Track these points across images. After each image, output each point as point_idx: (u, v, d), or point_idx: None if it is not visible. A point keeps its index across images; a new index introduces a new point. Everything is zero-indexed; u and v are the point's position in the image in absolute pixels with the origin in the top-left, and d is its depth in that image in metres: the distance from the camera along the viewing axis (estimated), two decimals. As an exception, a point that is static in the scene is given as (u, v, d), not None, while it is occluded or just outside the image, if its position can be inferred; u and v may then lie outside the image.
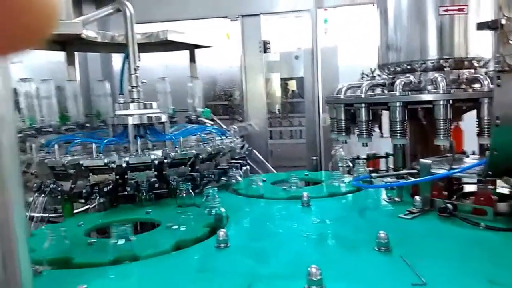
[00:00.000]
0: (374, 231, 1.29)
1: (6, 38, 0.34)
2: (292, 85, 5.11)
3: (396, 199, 1.79)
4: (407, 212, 1.59)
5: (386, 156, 2.46)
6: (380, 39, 2.44)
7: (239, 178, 2.10)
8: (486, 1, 2.17)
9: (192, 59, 3.12)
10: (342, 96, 2.29)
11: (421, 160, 1.67)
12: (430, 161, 1.64)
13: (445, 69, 2.15)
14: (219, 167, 2.12)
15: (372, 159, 2.45)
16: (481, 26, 1.66)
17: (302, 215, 1.68)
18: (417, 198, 1.61)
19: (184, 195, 1.80)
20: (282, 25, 4.65)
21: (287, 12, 4.08)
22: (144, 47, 2.75)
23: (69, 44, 2.78)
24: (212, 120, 3.03)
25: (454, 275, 1.11)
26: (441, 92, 1.90)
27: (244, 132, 3.32)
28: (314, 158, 2.71)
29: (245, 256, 1.27)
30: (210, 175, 2.04)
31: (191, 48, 3.09)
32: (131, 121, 2.17)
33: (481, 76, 1.93)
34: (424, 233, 1.42)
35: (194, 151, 1.98)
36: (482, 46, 2.17)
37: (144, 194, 1.82)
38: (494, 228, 1.38)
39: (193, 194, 1.83)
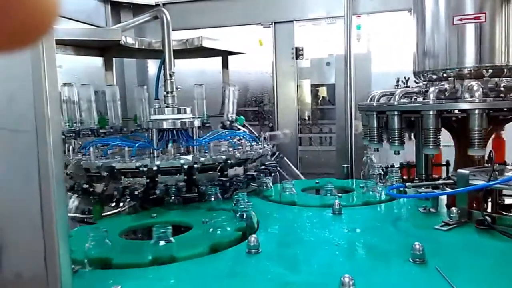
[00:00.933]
0: (408, 242, 1.26)
1: (4, 35, 0.33)
2: (323, 91, 5.07)
3: (432, 209, 1.74)
4: (443, 224, 1.54)
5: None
6: (416, 45, 2.39)
7: (270, 184, 2.10)
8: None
9: (225, 65, 3.15)
10: (374, 104, 2.26)
11: (459, 170, 1.62)
12: (467, 172, 1.58)
13: (484, 77, 2.09)
14: (247, 173, 2.13)
15: (407, 167, 2.40)
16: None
17: (334, 223, 1.66)
18: (454, 209, 1.56)
19: (213, 199, 1.82)
20: (314, 32, 4.64)
21: (321, 18, 4.07)
22: (179, 54, 2.81)
23: (108, 50, 2.88)
24: (244, 126, 3.05)
25: (493, 290, 1.07)
26: (477, 100, 1.84)
27: (278, 140, 3.31)
28: (345, 165, 2.68)
29: (276, 263, 1.27)
30: (239, 181, 2.05)
31: (225, 54, 3.13)
32: (165, 125, 2.21)
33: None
34: (461, 246, 1.37)
35: (223, 157, 1.99)
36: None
37: (173, 197, 1.85)
38: (537, 243, 1.32)
39: (222, 199, 1.84)
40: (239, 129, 2.80)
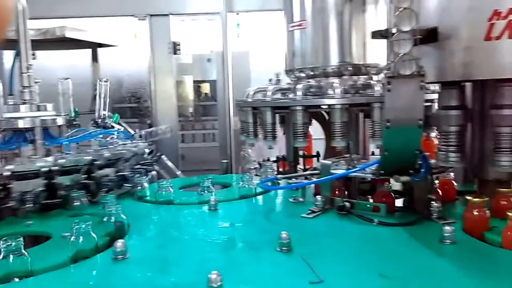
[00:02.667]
0: (278, 232, 1.31)
1: None
2: (205, 88, 5.08)
3: (300, 199, 1.84)
4: (309, 212, 1.64)
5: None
6: (287, 45, 2.51)
7: (145, 184, 2.01)
8: (383, 11, 2.35)
9: (95, 58, 2.93)
10: (249, 100, 2.32)
11: (321, 161, 1.74)
12: (329, 162, 1.71)
13: (344, 75, 2.27)
14: (120, 173, 2.00)
15: (282, 160, 2.50)
16: (375, 34, 1.78)
17: (209, 219, 1.65)
18: (318, 197, 1.67)
19: (78, 204, 1.67)
20: (194, 27, 4.59)
21: (197, 14, 4.03)
22: (41, 45, 2.53)
23: None
24: (119, 124, 2.88)
25: (348, 271, 1.15)
26: (338, 96, 1.99)
27: (157, 137, 3.20)
28: (225, 161, 2.70)
29: (145, 267, 1.20)
30: (109, 182, 1.92)
31: (94, 46, 2.91)
32: (21, 124, 1.97)
33: (373, 82, 2.06)
34: (324, 232, 1.47)
35: (89, 157, 1.85)
36: (379, 54, 2.33)
37: (29, 205, 1.65)
38: (386, 223, 1.47)
39: (89, 203, 1.71)
40: (112, 127, 2.63)
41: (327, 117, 2.39)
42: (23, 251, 1.16)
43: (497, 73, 1.48)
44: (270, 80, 2.62)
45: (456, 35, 1.54)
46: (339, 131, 1.93)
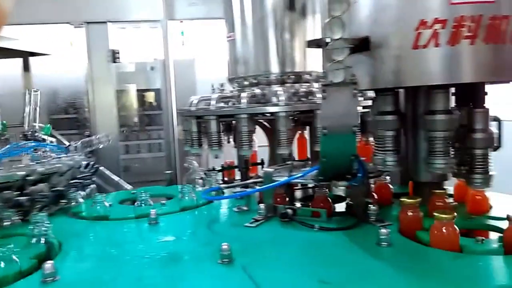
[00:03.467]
0: (221, 243, 1.28)
1: None
2: (150, 97, 4.96)
3: (245, 208, 1.83)
4: (253, 220, 1.63)
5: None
6: (229, 53, 2.51)
7: (80, 200, 1.91)
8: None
9: (27, 68, 2.77)
10: (193, 109, 2.28)
11: (264, 168, 1.74)
12: (272, 170, 1.71)
13: (286, 84, 2.30)
14: (54, 189, 1.89)
15: (227, 169, 2.48)
16: (310, 43, 1.82)
17: (148, 234, 1.60)
18: (261, 205, 1.67)
19: (9, 223, 1.55)
20: (136, 35, 4.49)
21: (136, 21, 3.94)
22: (-37, 53, 2.34)
23: None
24: (53, 136, 2.72)
25: (289, 278, 1.15)
26: (282, 104, 2.01)
27: (94, 146, 3.05)
28: (168, 172, 2.64)
29: (76, 289, 1.13)
30: (43, 199, 1.81)
31: (25, 55, 2.74)
32: None
33: (315, 90, 2.11)
34: (266, 240, 1.46)
35: (21, 173, 1.73)
36: (318, 62, 2.39)
37: None
38: (327, 228, 1.50)
39: (20, 222, 1.59)
40: (44, 139, 2.48)
41: (268, 125, 2.41)
42: None
43: (425, 79, 1.56)
44: (213, 88, 2.61)
45: (386, 44, 1.61)
46: (284, 139, 1.94)
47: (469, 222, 1.55)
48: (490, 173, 1.58)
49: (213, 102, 2.21)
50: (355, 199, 1.60)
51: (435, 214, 1.27)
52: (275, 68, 2.36)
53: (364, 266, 1.20)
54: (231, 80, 2.54)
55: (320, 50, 1.86)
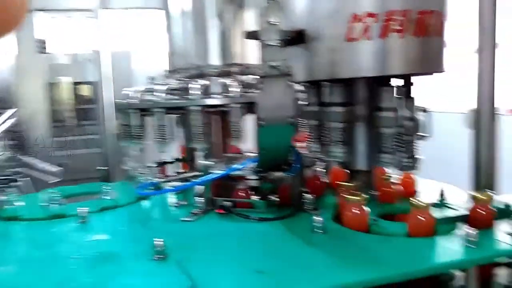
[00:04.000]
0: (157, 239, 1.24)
1: None
2: (85, 90, 4.72)
3: (182, 203, 1.79)
4: (190, 214, 1.60)
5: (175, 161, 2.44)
6: (169, 44, 2.44)
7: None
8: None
9: None
10: (135, 101, 2.17)
11: (200, 161, 1.71)
12: (209, 162, 1.68)
13: (229, 75, 2.26)
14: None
15: (164, 164, 2.41)
16: (248, 35, 1.81)
17: (78, 234, 1.50)
18: (199, 199, 1.64)
19: None
20: (70, 24, 4.24)
21: (67, 10, 3.72)
22: None
23: None
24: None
25: (226, 271, 1.14)
26: (230, 96, 1.97)
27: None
28: (103, 168, 2.52)
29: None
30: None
31: None
32: None
33: (255, 82, 2.08)
34: (204, 234, 1.44)
35: None
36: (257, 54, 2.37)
37: None
38: (264, 219, 1.50)
39: None
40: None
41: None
42: None
43: (357, 72, 1.61)
44: (152, 79, 2.52)
45: (321, 37, 1.64)
46: (236, 131, 1.90)
47: (392, 207, 1.61)
48: (417, 156, 1.67)
49: (161, 95, 2.11)
50: (292, 189, 1.62)
51: (346, 196, 1.35)
52: (215, 60, 2.32)
53: (300, 254, 1.22)
54: (172, 72, 2.47)
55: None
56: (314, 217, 1.34)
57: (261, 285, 1.06)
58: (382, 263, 1.14)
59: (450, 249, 1.19)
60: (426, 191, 1.79)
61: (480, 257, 1.14)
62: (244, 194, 1.61)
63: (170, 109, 2.11)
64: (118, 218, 1.68)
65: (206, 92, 2.16)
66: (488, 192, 1.37)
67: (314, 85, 1.71)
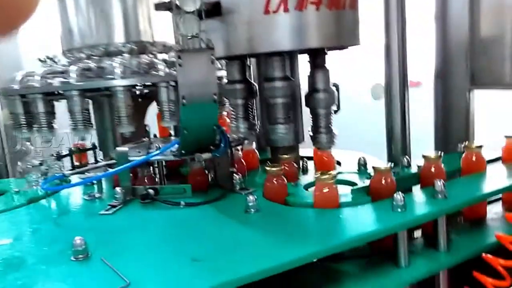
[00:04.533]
0: (72, 238, 1.09)
1: None
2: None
3: (97, 195, 1.62)
4: (109, 207, 1.45)
5: (93, 148, 2.22)
6: (61, 23, 2.17)
7: None
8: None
9: None
10: (16, 87, 1.90)
11: (117, 148, 1.56)
12: (126, 148, 1.54)
13: (125, 54, 2.07)
14: None
15: (77, 153, 2.18)
16: (158, 6, 1.66)
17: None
18: (118, 189, 1.50)
19: None
20: None
21: None
22: None
23: None
24: None
25: (159, 263, 1.05)
26: (119, 78, 1.81)
27: None
28: (-4, 164, 2.20)
29: None
30: None
31: None
32: None
33: (157, 61, 1.95)
34: (127, 226, 1.31)
35: None
36: (166, 30, 2.22)
37: None
38: (193, 204, 1.42)
39: None
40: None
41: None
42: None
43: (275, 46, 1.57)
44: (44, 61, 2.23)
45: (238, 9, 1.57)
46: (125, 116, 1.75)
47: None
48: (334, 131, 1.71)
49: (37, 78, 1.87)
50: (220, 170, 1.56)
51: (266, 168, 1.36)
52: (115, 37, 2.12)
53: (235, 236, 1.17)
54: (65, 53, 2.21)
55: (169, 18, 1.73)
56: (247, 197, 1.29)
57: (200, 274, 0.98)
58: (316, 235, 1.14)
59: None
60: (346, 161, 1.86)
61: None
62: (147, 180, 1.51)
63: (49, 94, 1.88)
64: (23, 219, 1.47)
65: (124, 72, 1.97)
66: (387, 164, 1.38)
67: (238, 60, 1.64)
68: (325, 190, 1.27)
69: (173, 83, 1.77)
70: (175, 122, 1.81)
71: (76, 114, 1.84)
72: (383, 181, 1.32)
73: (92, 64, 1.97)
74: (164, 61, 1.96)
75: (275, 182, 1.40)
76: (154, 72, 1.88)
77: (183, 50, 1.28)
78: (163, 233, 1.24)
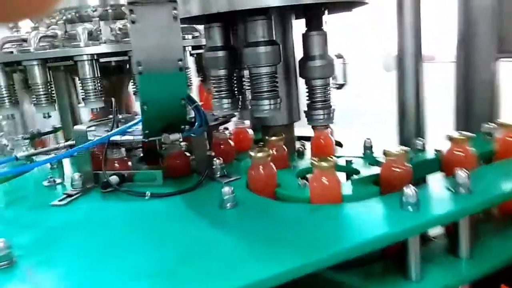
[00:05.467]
0: (8, 236, 0.88)
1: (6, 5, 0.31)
2: None
3: (58, 180, 1.40)
4: (64, 196, 1.22)
5: (55, 131, 1.99)
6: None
7: None
8: None
9: None
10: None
11: (75, 127, 1.32)
12: (84, 127, 1.30)
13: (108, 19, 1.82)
14: None
15: (38, 137, 1.95)
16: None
17: None
18: (76, 175, 1.26)
19: None
20: None
21: None
22: None
23: None
24: None
25: (98, 278, 0.81)
26: (82, 45, 1.55)
27: None
28: (-42, 143, 1.98)
29: None
30: None
31: None
32: None
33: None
34: (77, 223, 1.08)
35: None
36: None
37: None
38: (159, 195, 1.18)
39: None
40: None
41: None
42: None
43: (263, 2, 1.28)
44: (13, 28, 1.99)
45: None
46: (93, 90, 1.50)
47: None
48: (332, 107, 1.41)
49: (32, 43, 1.62)
50: (196, 153, 1.31)
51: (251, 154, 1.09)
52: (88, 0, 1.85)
53: (203, 239, 0.92)
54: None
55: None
56: (224, 188, 1.04)
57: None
58: (314, 242, 0.88)
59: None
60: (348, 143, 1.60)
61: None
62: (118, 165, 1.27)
63: (7, 65, 1.63)
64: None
65: (94, 38, 1.71)
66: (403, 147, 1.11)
67: (219, 23, 1.35)
68: (324, 180, 1.01)
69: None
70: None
71: (39, 87, 1.61)
72: (397, 169, 1.06)
73: (58, 31, 1.72)
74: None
75: (261, 171, 1.14)
76: (128, 39, 1.62)
77: (137, 2, 1.00)
78: (115, 235, 1.00)
